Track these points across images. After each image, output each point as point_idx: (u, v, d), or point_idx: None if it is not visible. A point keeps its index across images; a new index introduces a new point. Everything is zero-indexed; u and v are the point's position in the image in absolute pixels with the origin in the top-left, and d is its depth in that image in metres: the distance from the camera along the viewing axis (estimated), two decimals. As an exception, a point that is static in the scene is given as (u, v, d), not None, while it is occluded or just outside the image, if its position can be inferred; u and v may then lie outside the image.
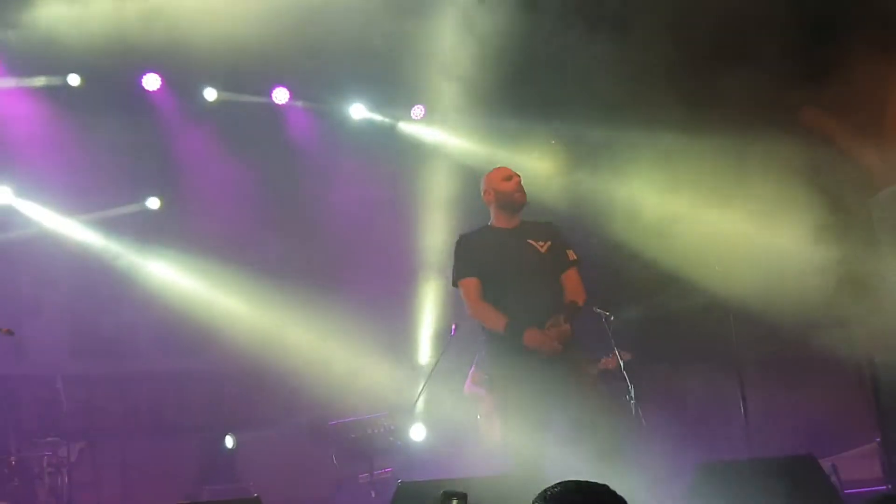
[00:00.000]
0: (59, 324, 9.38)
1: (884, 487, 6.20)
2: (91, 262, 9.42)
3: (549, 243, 5.37)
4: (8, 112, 8.79)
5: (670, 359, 8.53)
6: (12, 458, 7.57)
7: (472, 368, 7.76)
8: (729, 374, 6.73)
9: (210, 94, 9.43)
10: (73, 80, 8.81)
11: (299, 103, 9.88)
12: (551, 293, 5.28)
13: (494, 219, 5.46)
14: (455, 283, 5.38)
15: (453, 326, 7.45)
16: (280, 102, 9.69)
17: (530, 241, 5.35)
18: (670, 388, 8.46)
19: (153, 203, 9.85)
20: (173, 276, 9.80)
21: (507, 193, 5.37)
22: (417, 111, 10.01)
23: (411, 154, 10.06)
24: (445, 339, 7.92)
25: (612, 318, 6.54)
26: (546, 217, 5.62)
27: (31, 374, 9.00)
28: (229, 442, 9.14)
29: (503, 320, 5.08)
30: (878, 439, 6.37)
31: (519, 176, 5.43)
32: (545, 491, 2.41)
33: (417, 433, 7.88)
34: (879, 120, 8.63)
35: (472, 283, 5.26)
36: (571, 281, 5.37)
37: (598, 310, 6.39)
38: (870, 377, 6.29)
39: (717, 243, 7.26)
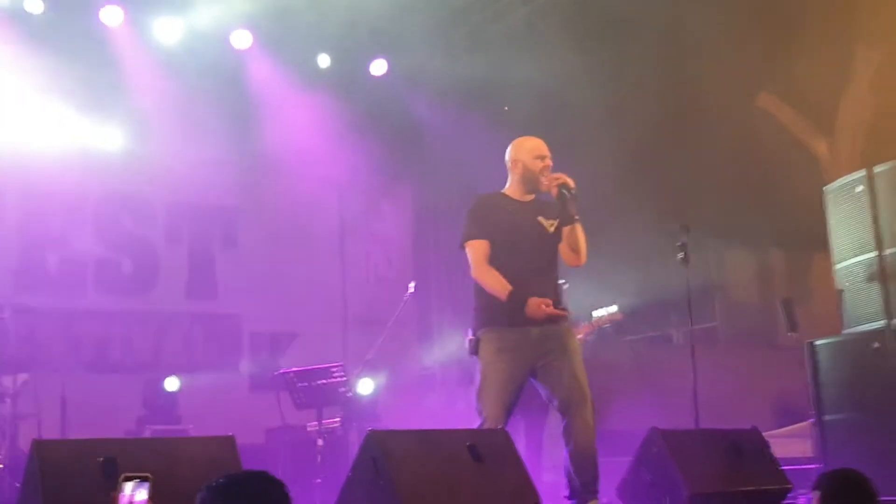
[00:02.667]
0: (4, 254, 9.20)
1: (815, 465, 6.49)
2: (39, 195, 9.27)
3: (557, 223, 5.39)
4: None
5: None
6: (-45, 385, 7.46)
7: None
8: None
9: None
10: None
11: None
12: (552, 272, 5.38)
13: (511, 188, 5.43)
14: (462, 243, 5.34)
15: (412, 284, 7.54)
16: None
17: (540, 218, 5.37)
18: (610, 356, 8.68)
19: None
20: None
21: (535, 173, 5.34)
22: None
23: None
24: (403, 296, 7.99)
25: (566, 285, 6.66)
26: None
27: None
28: (172, 384, 9.10)
29: (508, 287, 5.10)
30: (813, 419, 6.66)
31: (551, 160, 5.40)
32: (216, 482, 2.50)
33: (366, 386, 8.01)
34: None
35: (481, 244, 5.24)
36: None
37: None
38: (809, 357, 6.57)
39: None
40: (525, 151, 5.41)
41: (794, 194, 8.69)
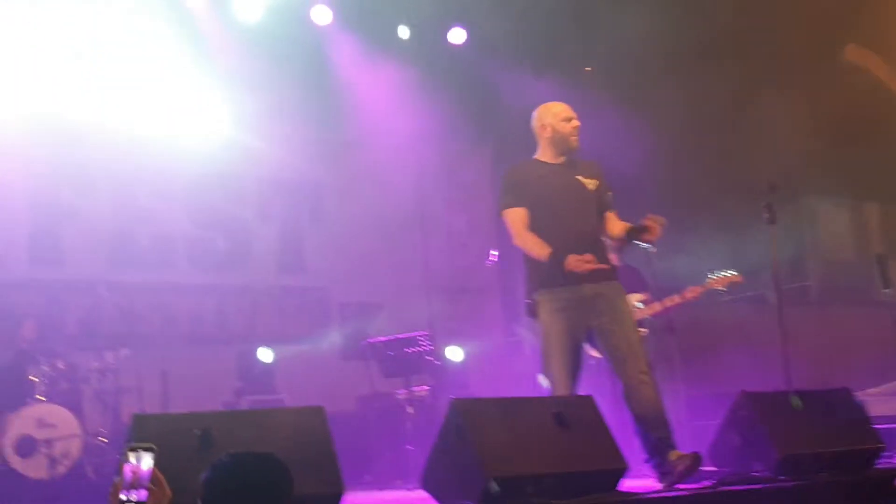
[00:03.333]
0: (97, 231, 9.50)
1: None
2: (130, 171, 9.54)
3: (596, 182, 5.47)
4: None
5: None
6: (60, 361, 7.77)
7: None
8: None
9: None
10: None
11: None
12: (595, 231, 5.42)
13: (542, 153, 5.52)
14: (500, 212, 5.46)
15: (495, 253, 7.58)
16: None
17: (579, 177, 5.44)
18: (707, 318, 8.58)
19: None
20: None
21: (565, 134, 5.43)
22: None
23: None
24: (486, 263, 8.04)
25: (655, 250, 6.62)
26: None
27: (73, 279, 9.18)
28: (266, 355, 9.34)
29: (547, 249, 5.15)
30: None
31: (578, 120, 5.46)
32: (220, 460, 2.52)
33: (454, 354, 8.11)
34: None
35: (519, 212, 5.33)
36: (615, 220, 5.50)
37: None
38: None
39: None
40: (552, 115, 5.49)
41: (888, 147, 8.45)
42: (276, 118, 9.77)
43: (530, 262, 5.35)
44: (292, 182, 10.56)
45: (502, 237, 10.32)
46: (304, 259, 10.58)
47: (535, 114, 5.55)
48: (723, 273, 6.83)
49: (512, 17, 9.80)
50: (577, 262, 5.03)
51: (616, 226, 5.47)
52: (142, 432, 3.87)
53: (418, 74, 9.99)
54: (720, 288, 6.80)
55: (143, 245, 9.70)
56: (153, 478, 2.35)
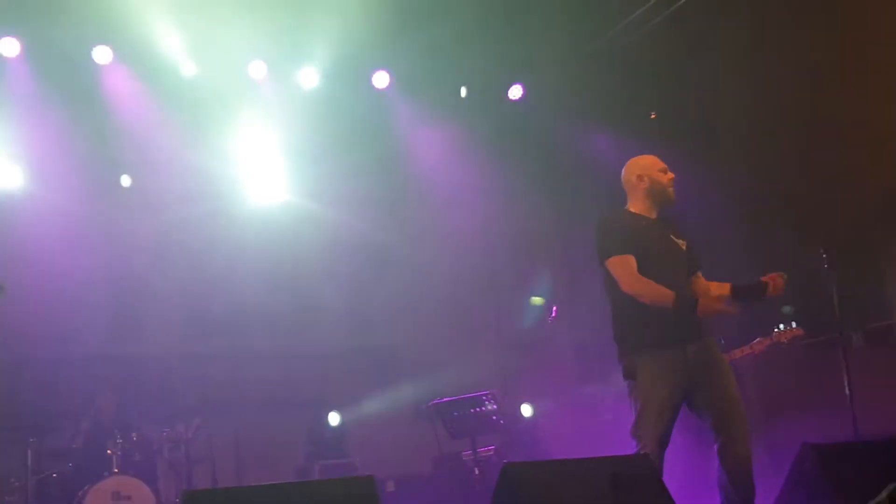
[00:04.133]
0: (172, 303, 9.73)
1: None
2: (201, 246, 9.77)
3: (685, 242, 5.33)
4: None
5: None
6: (134, 434, 7.94)
7: None
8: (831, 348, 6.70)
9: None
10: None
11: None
12: (688, 291, 5.24)
13: (635, 204, 5.33)
14: (604, 260, 5.18)
15: (554, 309, 7.53)
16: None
17: (672, 236, 5.30)
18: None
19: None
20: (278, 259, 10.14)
21: (664, 185, 5.27)
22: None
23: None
24: (546, 322, 8.00)
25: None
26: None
27: (149, 353, 9.42)
28: (335, 419, 9.39)
29: (671, 293, 4.94)
30: None
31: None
32: None
33: (526, 411, 8.07)
34: None
35: (629, 258, 5.09)
36: (703, 280, 5.36)
37: None
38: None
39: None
40: (648, 167, 5.35)
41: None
42: (339, 181, 9.93)
43: (632, 317, 5.14)
44: (357, 243, 10.68)
45: (574, 289, 10.39)
46: (373, 319, 10.66)
47: (628, 167, 5.40)
48: (787, 326, 6.69)
49: (571, 71, 9.84)
50: (712, 307, 4.94)
51: (711, 286, 5.27)
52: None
53: (479, 131, 10.06)
54: (784, 341, 6.67)
55: (215, 315, 9.90)
56: None
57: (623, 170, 5.42)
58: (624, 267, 5.10)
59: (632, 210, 5.35)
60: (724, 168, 9.00)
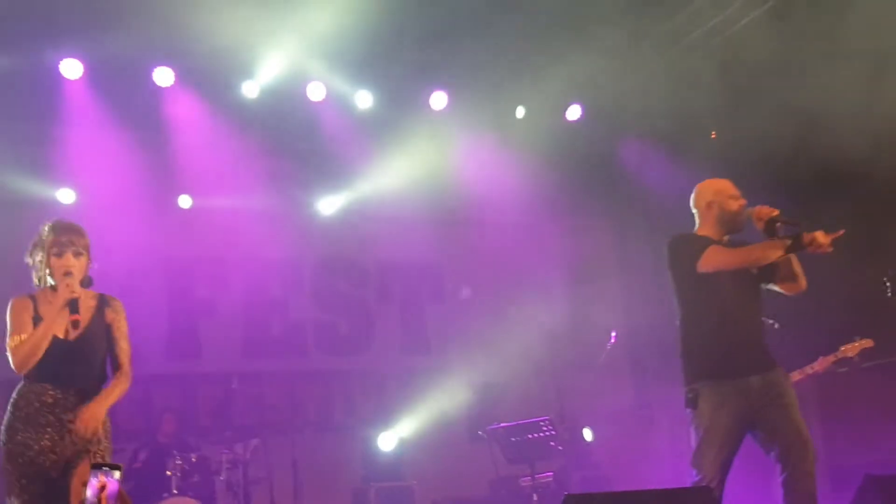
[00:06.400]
0: (231, 323, 9.82)
1: None
2: (260, 263, 9.85)
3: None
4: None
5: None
6: (193, 455, 7.99)
7: None
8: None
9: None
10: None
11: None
12: (759, 316, 5.19)
13: (704, 229, 5.26)
14: (695, 264, 5.02)
15: (613, 334, 7.44)
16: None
17: None
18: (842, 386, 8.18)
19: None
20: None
21: (734, 213, 5.19)
22: None
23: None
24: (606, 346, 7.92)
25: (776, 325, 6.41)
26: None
27: (208, 372, 9.50)
28: (392, 440, 9.38)
29: (775, 242, 4.86)
30: None
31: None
32: None
33: (587, 434, 8.01)
34: None
35: (713, 247, 5.02)
36: None
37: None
38: None
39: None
40: (719, 192, 5.26)
41: None
42: (394, 201, 9.95)
43: (692, 348, 5.09)
44: (411, 263, 10.70)
45: (631, 312, 10.27)
46: (428, 339, 10.65)
47: (698, 191, 5.33)
48: (854, 342, 6.58)
49: (629, 90, 9.75)
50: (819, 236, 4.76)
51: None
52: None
53: (536, 152, 10.00)
54: (852, 355, 6.54)
55: (273, 334, 9.98)
56: (119, 495, 2.34)
57: (693, 194, 5.35)
58: (716, 252, 5.01)
59: (700, 234, 5.28)
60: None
